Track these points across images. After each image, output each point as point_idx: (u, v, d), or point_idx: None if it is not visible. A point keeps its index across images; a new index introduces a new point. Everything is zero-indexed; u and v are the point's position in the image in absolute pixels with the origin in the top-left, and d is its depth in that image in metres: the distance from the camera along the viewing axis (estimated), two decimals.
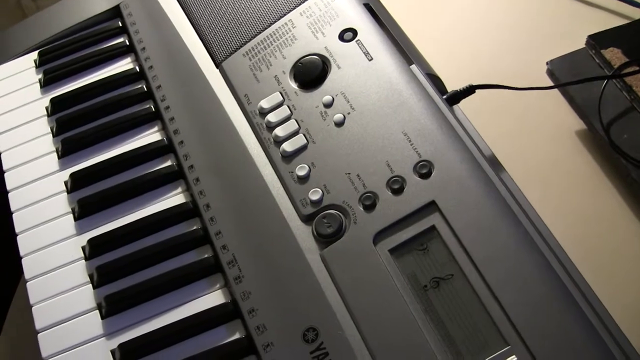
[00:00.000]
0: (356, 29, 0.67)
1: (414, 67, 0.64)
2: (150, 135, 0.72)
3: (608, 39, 0.80)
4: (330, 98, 0.64)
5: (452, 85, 0.67)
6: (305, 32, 0.69)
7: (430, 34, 0.84)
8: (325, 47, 0.67)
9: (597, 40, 0.80)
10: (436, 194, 0.57)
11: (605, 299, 0.54)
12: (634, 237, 0.67)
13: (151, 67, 0.75)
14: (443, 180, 0.57)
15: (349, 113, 0.62)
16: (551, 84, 0.76)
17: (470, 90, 0.66)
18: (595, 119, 0.73)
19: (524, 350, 0.50)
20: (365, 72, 0.64)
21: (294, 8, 0.71)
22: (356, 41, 0.66)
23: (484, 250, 0.54)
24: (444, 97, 0.64)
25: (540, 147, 0.75)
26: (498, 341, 0.51)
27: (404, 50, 0.65)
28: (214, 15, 0.74)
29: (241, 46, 0.71)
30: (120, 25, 0.82)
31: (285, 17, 0.71)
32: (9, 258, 0.70)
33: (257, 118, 0.66)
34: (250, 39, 0.71)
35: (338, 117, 0.63)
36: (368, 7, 0.68)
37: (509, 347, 0.50)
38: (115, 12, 0.83)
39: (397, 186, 0.58)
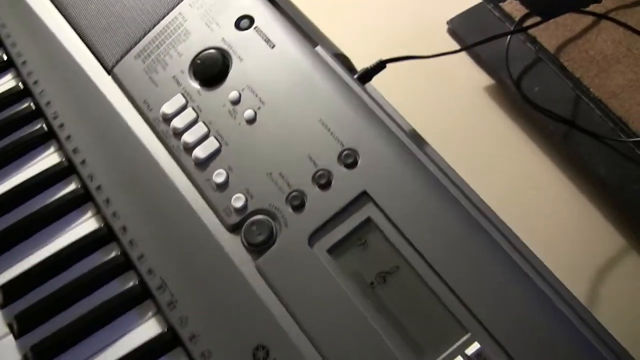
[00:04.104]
0: (252, 15, 0.62)
1: (319, 48, 0.60)
2: (47, 158, 0.66)
3: None
4: (237, 94, 0.60)
5: (359, 63, 0.64)
6: (198, 25, 0.64)
7: (324, 12, 0.79)
8: (223, 39, 0.62)
9: None
10: (366, 183, 0.54)
11: (548, 258, 0.53)
12: (559, 188, 0.67)
13: (36, 82, 0.69)
14: (370, 167, 0.54)
15: (259, 108, 0.59)
16: (454, 43, 0.74)
17: (381, 65, 0.63)
18: (505, 75, 0.72)
19: (486, 335, 0.48)
20: (270, 61, 0.60)
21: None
22: (254, 28, 0.62)
23: (425, 235, 0.52)
24: (355, 76, 0.61)
25: (454, 110, 0.73)
26: (457, 330, 0.49)
27: (306, 32, 0.61)
28: (95, 16, 0.68)
29: (131, 48, 0.65)
30: None
31: (173, 10, 0.65)
32: None
33: (161, 125, 0.61)
34: (140, 39, 0.65)
35: (248, 113, 0.59)
36: None
37: (470, 334, 0.49)
38: None
39: (323, 180, 0.55)
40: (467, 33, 0.75)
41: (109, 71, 0.66)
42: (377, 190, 0.54)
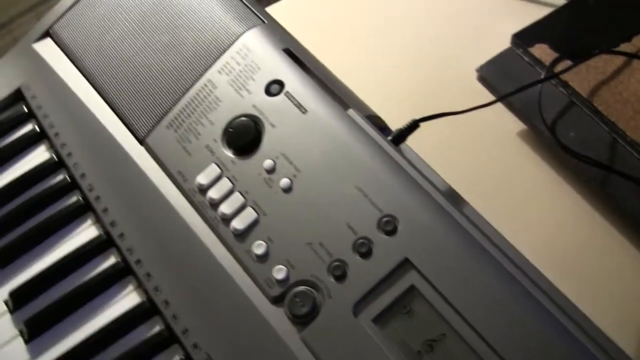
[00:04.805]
0: (282, 79, 0.62)
1: (351, 111, 0.60)
2: (85, 232, 0.66)
3: (533, 35, 0.77)
4: (272, 162, 0.60)
5: (392, 120, 0.63)
6: (228, 92, 0.64)
7: (354, 71, 0.78)
8: (254, 106, 0.62)
9: (522, 39, 0.77)
10: (408, 250, 0.54)
11: (589, 308, 0.52)
12: (602, 235, 0.66)
13: (70, 153, 0.69)
14: (411, 233, 0.54)
15: (294, 176, 0.59)
16: (485, 90, 0.73)
17: (414, 125, 0.62)
18: (539, 122, 0.71)
19: None
20: (302, 127, 0.60)
21: (210, 66, 0.66)
22: (285, 93, 0.62)
23: (470, 302, 0.51)
24: (389, 138, 0.61)
25: (490, 160, 0.72)
26: None
27: (337, 95, 0.61)
28: (126, 86, 0.68)
29: (162, 117, 0.66)
30: (26, 110, 0.74)
31: (202, 77, 0.66)
32: None
33: (197, 196, 0.61)
34: (171, 108, 0.66)
35: (284, 182, 0.59)
36: (289, 53, 0.64)
37: None
38: (17, 96, 0.76)
39: (364, 249, 0.54)
40: (498, 80, 0.75)
41: (142, 141, 0.66)
42: (419, 257, 0.53)
